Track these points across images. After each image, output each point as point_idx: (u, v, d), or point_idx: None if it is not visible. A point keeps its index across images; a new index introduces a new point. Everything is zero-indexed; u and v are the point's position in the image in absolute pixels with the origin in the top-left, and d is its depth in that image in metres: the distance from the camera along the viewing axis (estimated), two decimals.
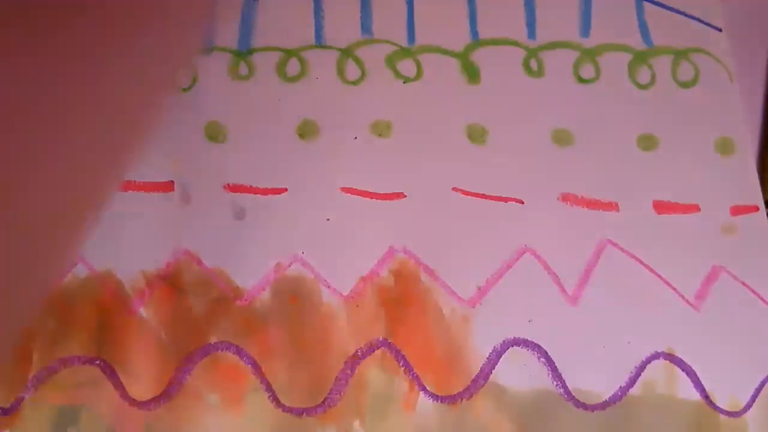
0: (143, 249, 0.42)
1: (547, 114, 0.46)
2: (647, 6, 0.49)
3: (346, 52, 0.47)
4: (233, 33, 0.47)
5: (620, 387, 0.41)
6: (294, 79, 0.46)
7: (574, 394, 0.40)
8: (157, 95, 0.25)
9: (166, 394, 0.39)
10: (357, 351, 0.41)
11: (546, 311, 0.42)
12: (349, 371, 0.40)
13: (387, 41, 0.48)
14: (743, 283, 0.43)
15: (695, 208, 0.44)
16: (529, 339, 0.41)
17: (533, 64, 0.47)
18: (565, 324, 0.42)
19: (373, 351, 0.41)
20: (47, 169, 0.21)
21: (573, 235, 0.44)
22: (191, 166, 0.44)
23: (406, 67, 0.47)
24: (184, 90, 0.46)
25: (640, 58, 0.48)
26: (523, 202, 0.44)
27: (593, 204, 0.44)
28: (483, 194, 0.44)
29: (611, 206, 0.44)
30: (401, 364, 0.40)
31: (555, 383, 0.41)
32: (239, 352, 0.40)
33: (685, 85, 0.48)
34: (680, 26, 0.49)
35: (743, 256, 0.44)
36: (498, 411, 0.40)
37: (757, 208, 0.45)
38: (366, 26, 0.48)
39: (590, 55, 0.48)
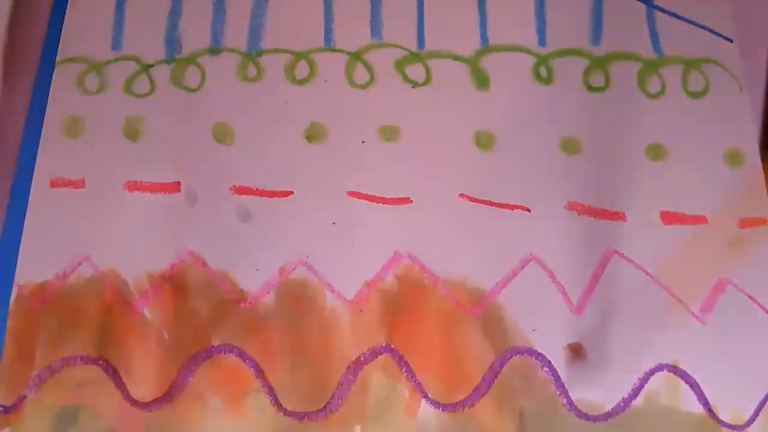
0: (148, 249, 0.42)
1: (555, 122, 0.46)
2: (658, 15, 0.49)
3: (356, 56, 0.47)
4: (242, 34, 0.47)
5: (623, 398, 0.40)
6: (302, 82, 0.46)
7: (576, 405, 0.40)
8: None
9: (167, 396, 0.39)
10: (360, 356, 0.41)
11: (550, 320, 0.42)
12: (351, 376, 0.40)
13: (396, 45, 0.47)
14: (749, 297, 0.43)
15: (703, 220, 0.44)
16: (532, 348, 0.41)
17: (543, 72, 0.47)
18: (569, 334, 0.41)
19: (376, 357, 0.41)
20: None
21: (579, 244, 0.43)
22: (198, 167, 0.44)
23: (415, 72, 0.47)
24: (193, 90, 0.46)
25: (650, 67, 0.48)
26: (529, 210, 0.44)
27: (600, 213, 0.44)
28: (490, 201, 0.44)
29: (618, 216, 0.44)
30: (404, 370, 0.40)
31: (558, 393, 0.40)
32: (242, 354, 0.40)
33: (695, 95, 0.47)
34: (691, 36, 0.49)
35: (750, 269, 0.43)
36: (500, 420, 0.40)
37: (765, 221, 0.44)
38: (376, 30, 0.48)
39: (600, 63, 0.48)
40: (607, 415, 0.40)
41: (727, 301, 0.42)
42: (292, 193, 0.44)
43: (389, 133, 0.45)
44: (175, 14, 0.48)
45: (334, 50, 0.47)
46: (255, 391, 0.40)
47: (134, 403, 0.39)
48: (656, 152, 0.46)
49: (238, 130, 0.45)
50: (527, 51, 0.48)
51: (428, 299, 0.42)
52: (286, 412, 0.39)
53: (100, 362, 0.40)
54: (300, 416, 0.39)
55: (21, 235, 0.42)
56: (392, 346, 0.41)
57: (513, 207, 0.44)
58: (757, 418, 0.40)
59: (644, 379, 0.41)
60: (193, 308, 0.41)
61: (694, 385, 0.41)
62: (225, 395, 0.40)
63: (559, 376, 0.41)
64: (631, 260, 0.43)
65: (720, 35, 0.49)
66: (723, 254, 0.44)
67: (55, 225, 0.42)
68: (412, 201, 0.44)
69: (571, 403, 0.40)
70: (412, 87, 0.47)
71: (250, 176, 0.44)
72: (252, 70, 0.46)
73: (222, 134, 0.45)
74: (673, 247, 0.44)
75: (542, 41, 0.48)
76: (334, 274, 0.42)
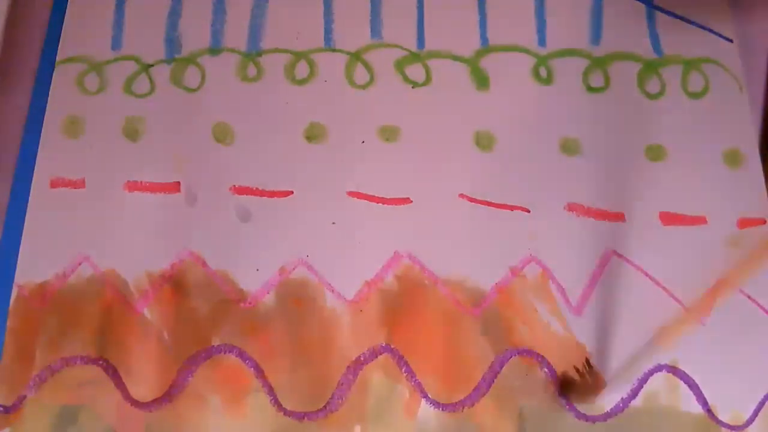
0: (148, 249, 0.42)
1: (555, 122, 0.46)
2: (658, 15, 0.49)
3: (355, 56, 0.47)
4: (242, 34, 0.47)
5: (622, 398, 0.40)
6: (302, 82, 0.46)
7: (575, 405, 0.40)
8: None
9: (167, 396, 0.39)
10: (360, 356, 0.41)
11: (550, 320, 0.42)
12: (351, 376, 0.40)
13: (396, 45, 0.47)
14: (749, 297, 0.43)
15: (702, 220, 0.44)
16: (532, 348, 0.41)
17: (542, 72, 0.47)
18: (569, 334, 0.41)
19: (376, 357, 0.41)
20: None
21: (578, 244, 0.43)
22: (198, 167, 0.44)
23: (415, 72, 0.47)
24: (193, 90, 0.46)
25: (650, 68, 0.48)
26: (529, 211, 0.44)
27: (599, 214, 0.44)
28: (489, 202, 0.44)
29: (617, 216, 0.44)
30: (404, 370, 0.40)
31: (557, 393, 0.40)
32: (242, 354, 0.40)
33: (694, 95, 0.47)
34: (691, 36, 0.49)
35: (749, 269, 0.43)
36: (499, 420, 0.40)
37: (764, 221, 0.44)
38: (376, 30, 0.48)
39: (600, 63, 0.48)
40: (607, 416, 0.40)
41: (726, 302, 0.42)
42: (292, 193, 0.44)
43: (389, 133, 0.45)
44: (175, 14, 0.48)
45: (334, 50, 0.47)
46: (255, 391, 0.40)
47: (134, 403, 0.39)
48: (656, 153, 0.46)
49: (238, 130, 0.45)
50: (527, 51, 0.48)
51: (428, 299, 0.42)
52: (286, 412, 0.39)
53: (100, 362, 0.40)
54: (300, 416, 0.39)
55: (21, 235, 0.42)
56: (392, 346, 0.41)
57: (513, 207, 0.44)
58: (756, 418, 0.40)
59: (643, 380, 0.41)
60: (193, 308, 0.41)
61: (693, 386, 0.41)
62: (225, 395, 0.40)
63: (558, 376, 0.41)
64: (631, 261, 0.43)
65: (720, 35, 0.49)
66: (723, 254, 0.44)
67: (55, 225, 0.42)
68: (412, 201, 0.44)
69: (570, 403, 0.40)
70: (412, 87, 0.47)
71: (250, 176, 0.44)
72: (252, 70, 0.46)
73: (222, 134, 0.45)
74: (672, 247, 0.44)
75: (542, 41, 0.48)
76: (334, 274, 0.42)
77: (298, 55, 0.47)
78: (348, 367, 0.40)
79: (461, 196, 0.44)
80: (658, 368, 0.41)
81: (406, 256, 0.43)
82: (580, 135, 0.46)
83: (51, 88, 0.45)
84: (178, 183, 0.43)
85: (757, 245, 0.44)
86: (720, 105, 0.47)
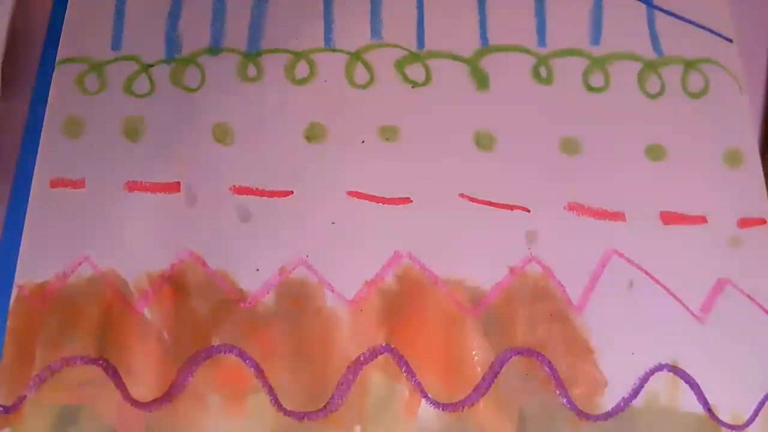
0: (148, 250, 0.42)
1: (555, 122, 0.46)
2: (658, 15, 0.49)
3: (355, 56, 0.47)
4: (242, 34, 0.47)
5: (623, 398, 0.40)
6: (302, 82, 0.46)
7: (576, 404, 0.40)
8: None
9: (167, 396, 0.39)
10: (360, 356, 0.40)
11: (550, 320, 0.42)
12: (351, 376, 0.40)
13: (396, 45, 0.47)
14: (749, 297, 0.43)
15: (702, 220, 0.44)
16: (532, 348, 0.41)
17: (542, 72, 0.47)
18: (569, 333, 0.41)
19: (376, 356, 0.41)
20: None
21: (578, 244, 0.43)
22: (198, 167, 0.44)
23: (415, 72, 0.47)
24: (192, 90, 0.46)
25: (650, 68, 0.48)
26: (529, 211, 0.44)
27: (600, 214, 0.44)
28: (489, 201, 0.44)
29: (618, 216, 0.44)
30: (404, 370, 0.40)
31: (558, 392, 0.40)
32: (242, 354, 0.40)
33: (694, 95, 0.47)
34: (691, 36, 0.49)
35: (749, 269, 0.43)
36: (500, 420, 0.40)
37: (764, 221, 0.44)
38: (376, 30, 0.48)
39: (600, 63, 0.48)
40: (607, 415, 0.40)
41: (726, 301, 0.42)
42: (292, 193, 0.44)
43: (389, 133, 0.45)
44: (175, 14, 0.48)
45: (334, 50, 0.47)
46: (255, 391, 0.40)
47: (134, 403, 0.39)
48: (656, 152, 0.46)
49: (238, 130, 0.45)
50: (527, 51, 0.48)
51: (428, 299, 0.42)
52: (286, 412, 0.39)
53: (100, 362, 0.40)
54: (300, 416, 0.39)
55: (21, 235, 0.42)
56: (392, 346, 0.41)
57: (513, 207, 0.44)
58: (757, 418, 0.40)
59: (644, 379, 0.41)
60: (193, 308, 0.41)
61: (694, 385, 0.41)
62: (225, 395, 0.39)
63: (558, 376, 0.41)
64: (631, 260, 0.43)
65: (720, 35, 0.49)
66: (722, 254, 0.44)
67: (55, 225, 0.42)
68: (412, 201, 0.44)
69: (571, 402, 0.40)
70: (412, 87, 0.47)
71: (250, 176, 0.44)
72: (252, 70, 0.46)
73: (222, 134, 0.45)
74: (672, 247, 0.44)
75: (542, 41, 0.48)
76: (334, 274, 0.42)
77: (298, 55, 0.47)
78: (348, 367, 0.40)
79: (461, 196, 0.44)
80: (659, 368, 0.41)
81: (406, 256, 0.43)
82: (580, 134, 0.46)
83: (51, 88, 0.45)
84: (178, 183, 0.43)
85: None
86: (720, 105, 0.47)
